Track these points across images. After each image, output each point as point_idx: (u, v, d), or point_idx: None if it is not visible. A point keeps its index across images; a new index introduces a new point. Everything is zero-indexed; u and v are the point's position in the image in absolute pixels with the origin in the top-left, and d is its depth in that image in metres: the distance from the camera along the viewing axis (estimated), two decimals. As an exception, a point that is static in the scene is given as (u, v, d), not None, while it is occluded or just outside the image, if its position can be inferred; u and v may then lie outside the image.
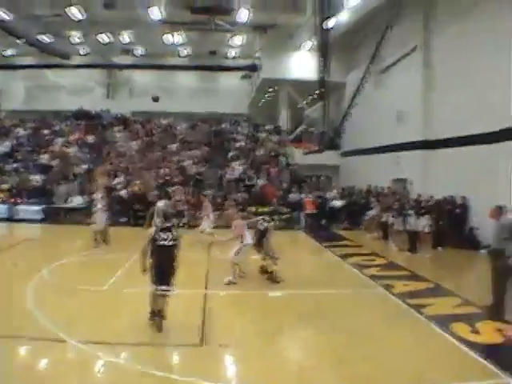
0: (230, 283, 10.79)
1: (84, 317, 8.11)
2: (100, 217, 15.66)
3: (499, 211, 9.48)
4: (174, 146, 29.43)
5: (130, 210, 21.89)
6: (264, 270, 11.61)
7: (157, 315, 7.73)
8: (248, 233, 11.24)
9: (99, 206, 15.72)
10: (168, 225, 7.81)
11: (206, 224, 16.56)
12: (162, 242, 7.65)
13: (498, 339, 7.67)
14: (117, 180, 23.41)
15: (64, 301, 8.98)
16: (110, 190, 21.75)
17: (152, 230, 7.79)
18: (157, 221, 7.86)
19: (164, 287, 7.64)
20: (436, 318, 8.53)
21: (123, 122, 33.13)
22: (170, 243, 7.72)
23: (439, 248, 16.80)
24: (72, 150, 27.32)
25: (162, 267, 7.67)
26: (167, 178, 24.00)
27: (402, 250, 16.50)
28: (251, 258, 11.89)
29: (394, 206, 18.58)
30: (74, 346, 6.83)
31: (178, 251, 7.84)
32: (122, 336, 7.36)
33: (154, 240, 7.68)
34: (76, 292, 9.65)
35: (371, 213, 20.73)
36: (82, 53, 35.10)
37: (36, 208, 21.83)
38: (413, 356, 6.97)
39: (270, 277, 11.26)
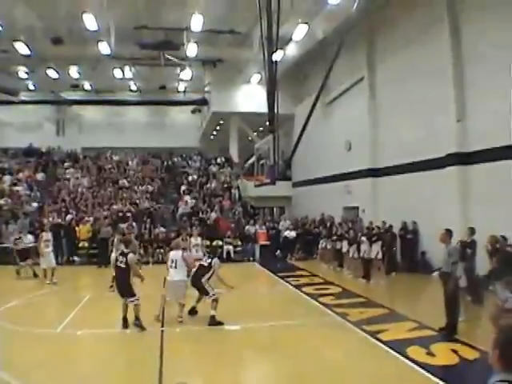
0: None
1: (40, 363, 7.62)
2: (51, 255, 15.82)
3: (449, 235, 9.80)
4: (125, 182, 29.15)
5: (80, 249, 21.58)
6: (194, 311, 10.87)
7: (125, 321, 9.69)
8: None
9: (50, 247, 15.96)
10: (125, 251, 9.92)
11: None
12: (118, 264, 9.83)
13: (452, 360, 7.79)
14: (68, 217, 22.86)
15: (17, 347, 8.52)
16: (60, 227, 21.32)
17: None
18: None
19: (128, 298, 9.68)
20: (392, 343, 8.62)
21: (74, 158, 32.61)
22: (123, 265, 9.70)
23: (393, 273, 17.09)
24: (21, 188, 26.65)
25: (120, 283, 9.88)
26: (120, 214, 23.65)
27: (357, 277, 16.71)
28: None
29: (347, 234, 18.82)
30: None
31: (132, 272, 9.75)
32: (80, 382, 7.05)
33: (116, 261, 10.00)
34: (29, 336, 9.24)
35: (323, 243, 20.93)
36: (30, 88, 34.45)
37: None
38: (371, 382, 7.03)
39: (211, 321, 10.07)
